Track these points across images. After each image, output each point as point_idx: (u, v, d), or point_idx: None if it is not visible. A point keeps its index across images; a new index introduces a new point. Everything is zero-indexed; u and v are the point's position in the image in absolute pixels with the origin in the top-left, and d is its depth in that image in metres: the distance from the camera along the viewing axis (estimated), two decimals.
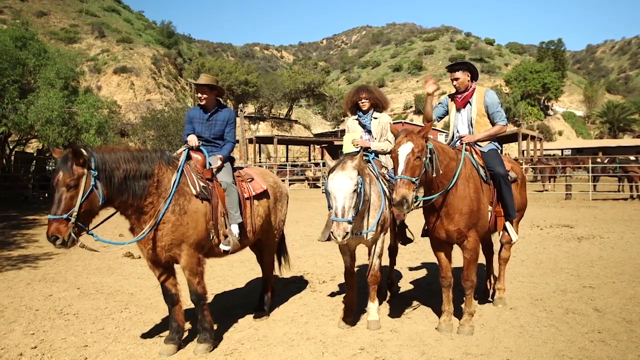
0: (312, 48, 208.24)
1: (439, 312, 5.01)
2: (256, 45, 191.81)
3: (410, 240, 5.72)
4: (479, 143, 5.16)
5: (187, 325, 4.77)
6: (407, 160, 4.11)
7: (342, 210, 4.09)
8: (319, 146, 47.61)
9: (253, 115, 65.59)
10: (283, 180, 23.69)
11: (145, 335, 4.81)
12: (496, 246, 5.83)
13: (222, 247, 4.62)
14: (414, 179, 4.08)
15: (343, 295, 5.66)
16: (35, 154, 24.73)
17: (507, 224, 5.09)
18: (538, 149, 45.86)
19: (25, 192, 21.98)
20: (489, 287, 5.99)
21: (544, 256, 8.38)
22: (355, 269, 5.15)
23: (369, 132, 5.54)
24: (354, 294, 5.04)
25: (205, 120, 5.06)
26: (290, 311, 5.58)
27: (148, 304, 5.92)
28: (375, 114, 5.55)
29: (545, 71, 76.72)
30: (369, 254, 4.99)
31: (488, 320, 5.06)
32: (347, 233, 4.05)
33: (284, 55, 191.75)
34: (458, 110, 5.29)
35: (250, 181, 5.12)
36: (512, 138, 41.60)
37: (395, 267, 6.39)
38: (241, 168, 5.39)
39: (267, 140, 45.92)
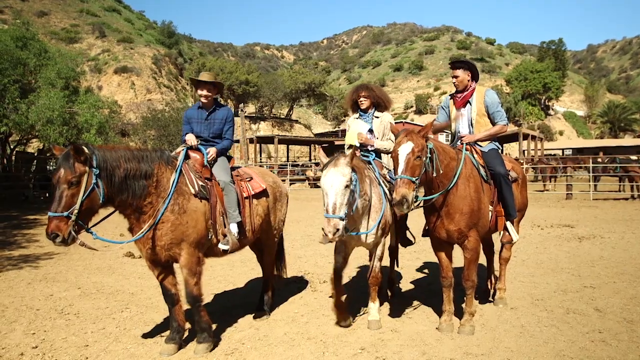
0: (313, 48, 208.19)
1: (439, 312, 5.01)
2: (257, 45, 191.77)
3: (411, 243, 5.69)
4: (479, 143, 5.15)
5: (188, 325, 4.77)
6: (407, 160, 4.11)
7: (333, 207, 4.04)
8: (319, 146, 47.61)
9: (254, 115, 65.61)
10: (284, 180, 23.73)
11: (146, 335, 4.81)
12: (497, 246, 5.83)
13: (221, 246, 4.62)
14: (414, 179, 4.08)
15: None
16: (36, 154, 24.75)
17: (508, 223, 5.08)
18: (539, 149, 45.85)
19: (26, 192, 22.00)
20: (489, 287, 5.99)
21: (544, 256, 8.38)
22: (357, 270, 5.14)
23: (371, 131, 5.46)
24: (341, 300, 4.87)
25: (203, 120, 5.06)
26: (291, 311, 5.58)
27: (149, 304, 5.92)
28: (377, 113, 5.49)
29: (546, 71, 76.64)
30: (370, 257, 4.96)
31: (489, 320, 5.06)
32: (338, 230, 3.99)
33: (284, 55, 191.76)
34: (458, 109, 5.29)
35: (249, 180, 5.11)
36: (512, 138, 41.58)
37: (396, 268, 6.38)
38: (239, 167, 5.38)
39: (268, 140, 45.93)
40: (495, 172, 4.90)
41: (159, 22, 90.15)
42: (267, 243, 5.53)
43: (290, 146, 52.21)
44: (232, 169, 5.09)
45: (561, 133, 76.90)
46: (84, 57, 37.07)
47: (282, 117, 69.54)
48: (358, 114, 5.57)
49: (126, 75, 60.22)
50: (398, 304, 5.69)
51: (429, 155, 4.27)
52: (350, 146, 5.30)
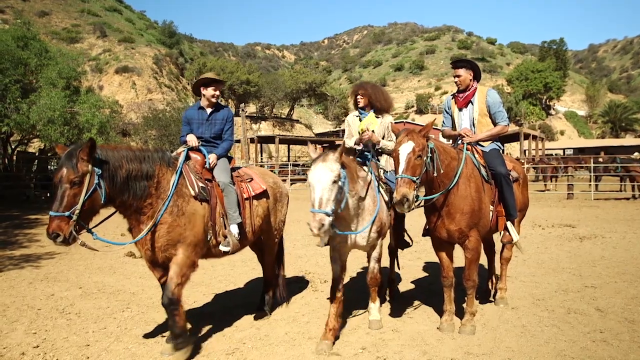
0: (314, 48, 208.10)
1: (440, 312, 5.01)
2: (257, 45, 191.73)
3: (408, 245, 5.65)
4: (480, 143, 5.15)
5: (189, 325, 4.77)
6: (407, 160, 4.11)
7: (319, 201, 3.95)
8: (320, 146, 47.59)
9: (254, 114, 65.59)
10: (284, 180, 23.73)
11: (147, 335, 4.82)
12: (498, 246, 5.83)
13: (222, 248, 4.61)
14: (414, 178, 4.08)
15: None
16: (37, 154, 24.77)
17: (509, 223, 5.08)
18: (540, 149, 45.79)
19: (27, 192, 22.02)
20: (490, 286, 5.98)
21: (545, 256, 8.37)
22: (358, 271, 5.12)
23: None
24: (339, 313, 4.56)
25: (204, 120, 5.05)
26: (291, 311, 5.58)
27: (150, 304, 5.92)
28: (377, 114, 5.42)
29: (547, 71, 76.54)
30: (368, 259, 4.93)
31: (490, 320, 5.06)
32: (323, 225, 3.87)
33: (285, 54, 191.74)
34: (460, 109, 5.28)
35: (250, 181, 5.10)
36: (513, 137, 41.50)
37: (397, 269, 6.36)
38: (240, 168, 5.37)
39: (269, 139, 45.90)
40: (496, 172, 4.90)
41: (160, 22, 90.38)
42: (267, 243, 5.53)
43: (291, 146, 52.19)
44: (233, 169, 5.08)
45: (562, 133, 76.81)
46: (85, 57, 37.09)
47: (283, 117, 69.51)
48: (358, 112, 5.52)
49: (127, 75, 60.24)
50: (399, 304, 5.69)
51: (429, 154, 4.27)
52: (355, 151, 5.28)
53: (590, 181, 21.46)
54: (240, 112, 39.30)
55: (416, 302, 5.77)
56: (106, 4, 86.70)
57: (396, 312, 5.38)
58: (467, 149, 4.88)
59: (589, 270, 7.23)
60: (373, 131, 5.26)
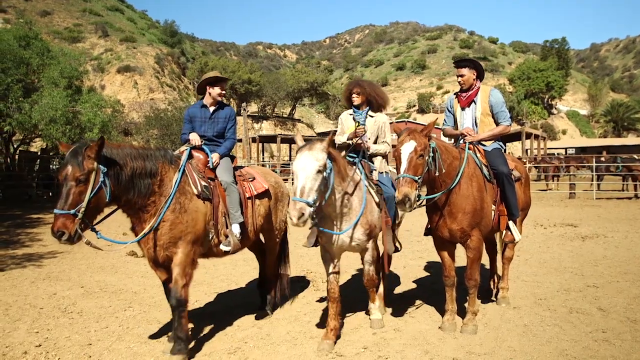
0: (315, 47, 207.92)
1: (442, 311, 5.01)
2: (259, 44, 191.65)
3: (397, 249, 5.54)
4: (482, 142, 5.14)
5: (191, 325, 4.77)
6: (409, 159, 4.10)
7: (301, 190, 3.84)
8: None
9: (256, 114, 65.57)
10: (286, 180, 23.72)
11: (149, 334, 4.82)
12: (499, 245, 5.82)
13: (223, 247, 4.61)
14: (416, 178, 4.07)
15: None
16: (39, 153, 24.81)
17: (511, 223, 5.07)
18: (542, 148, 45.70)
19: (29, 191, 22.03)
20: (492, 286, 5.98)
21: (547, 255, 8.36)
22: (357, 271, 5.08)
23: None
24: (338, 312, 4.53)
25: (207, 119, 5.06)
26: (293, 310, 5.59)
27: (152, 303, 5.93)
28: (371, 113, 5.21)
29: (549, 70, 76.38)
30: (362, 262, 4.81)
31: (491, 320, 5.05)
32: (303, 214, 3.76)
33: (287, 54, 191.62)
34: (463, 109, 5.27)
35: (252, 180, 5.10)
36: (515, 137, 41.39)
37: (396, 268, 6.36)
38: (242, 167, 5.38)
39: (270, 139, 45.89)
40: (498, 171, 4.90)
41: (161, 21, 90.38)
42: (269, 243, 5.53)
43: (292, 145, 52.17)
44: (235, 168, 5.07)
45: (564, 132, 76.67)
46: (86, 56, 37.13)
47: (285, 116, 69.49)
48: (352, 110, 5.29)
49: (129, 74, 60.23)
50: (401, 303, 5.69)
51: (431, 154, 4.26)
52: (348, 146, 5.09)
53: (592, 180, 21.43)
54: (242, 111, 39.32)
55: (418, 302, 5.77)
56: (108, 4, 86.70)
57: (398, 311, 5.38)
58: (469, 148, 4.87)
59: (591, 269, 7.22)
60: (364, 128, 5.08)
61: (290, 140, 49.18)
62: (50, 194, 22.45)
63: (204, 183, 4.50)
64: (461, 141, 5.10)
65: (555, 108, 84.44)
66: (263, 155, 48.27)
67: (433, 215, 4.73)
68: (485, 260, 5.65)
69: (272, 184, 5.39)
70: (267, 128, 61.36)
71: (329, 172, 4.06)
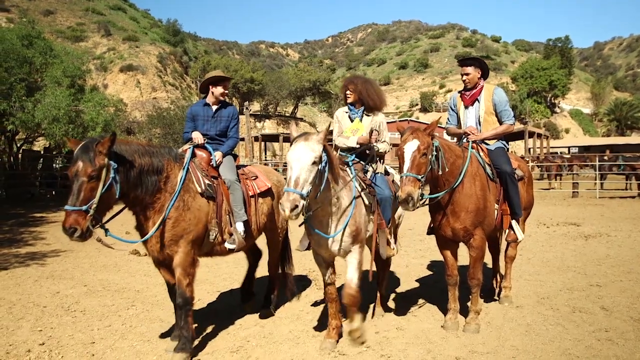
0: (318, 46, 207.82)
1: (444, 310, 5.00)
2: (262, 43, 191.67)
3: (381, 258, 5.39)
4: (486, 141, 5.13)
5: (194, 324, 4.78)
6: (413, 158, 4.09)
7: (295, 180, 3.66)
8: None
9: (259, 113, 65.62)
10: None
11: (151, 332, 4.84)
12: (502, 244, 5.81)
13: (227, 245, 4.61)
14: (419, 177, 4.07)
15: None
16: (42, 152, 24.87)
17: (513, 222, 5.06)
18: (545, 147, 45.61)
19: (32, 190, 22.09)
20: (495, 285, 5.98)
21: (550, 254, 8.35)
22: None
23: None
24: (338, 310, 4.47)
25: (210, 117, 5.06)
26: (295, 309, 5.59)
27: (154, 301, 5.94)
28: (368, 113, 5.03)
29: (552, 68, 76.22)
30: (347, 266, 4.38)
31: (494, 319, 5.05)
32: (297, 206, 3.58)
33: (289, 53, 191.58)
34: (466, 107, 5.26)
35: (255, 179, 5.11)
36: (518, 136, 41.33)
37: (398, 267, 6.35)
38: (245, 166, 5.38)
39: (273, 138, 45.92)
40: (502, 170, 4.88)
41: (164, 20, 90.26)
42: (271, 242, 5.53)
43: None
44: (238, 167, 5.08)
45: (567, 131, 76.50)
46: (89, 55, 37.11)
47: (287, 115, 69.49)
48: (347, 108, 5.13)
49: (131, 73, 60.33)
50: (403, 302, 5.68)
51: (434, 153, 4.25)
52: (350, 148, 4.92)
53: (595, 179, 21.37)
54: (244, 110, 39.30)
55: (421, 301, 5.77)
56: (110, 3, 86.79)
57: (401, 310, 5.38)
58: (472, 147, 4.86)
59: (594, 268, 7.20)
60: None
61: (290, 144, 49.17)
62: (54, 192, 22.51)
63: (207, 181, 4.50)
64: (464, 140, 5.08)
65: (558, 107, 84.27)
66: (265, 154, 48.29)
67: (436, 214, 4.73)
68: (487, 259, 5.64)
69: (274, 182, 5.39)
70: (269, 127, 61.41)
71: (324, 165, 3.90)
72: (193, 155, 4.67)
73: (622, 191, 21.36)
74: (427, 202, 4.57)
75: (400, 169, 4.20)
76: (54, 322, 5.19)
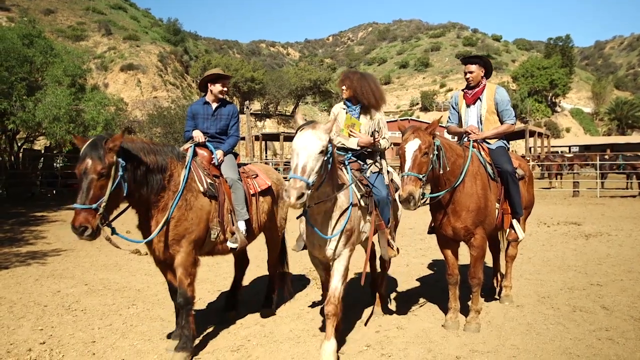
0: (318, 45, 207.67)
1: (445, 310, 5.00)
2: (262, 43, 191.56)
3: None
4: (487, 140, 5.13)
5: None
6: (414, 157, 4.09)
7: (302, 168, 3.50)
8: None
9: (259, 112, 65.66)
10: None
11: (152, 332, 4.84)
12: (503, 243, 5.81)
13: (230, 244, 4.61)
14: (420, 176, 4.06)
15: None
16: (42, 151, 24.89)
17: (514, 221, 5.06)
18: (545, 146, 45.59)
19: (33, 189, 22.11)
20: (495, 284, 5.97)
21: (551, 254, 8.34)
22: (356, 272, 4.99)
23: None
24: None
25: (210, 115, 5.06)
26: (296, 308, 5.59)
27: (155, 301, 5.94)
28: (365, 112, 4.88)
29: (553, 67, 76.18)
30: (332, 273, 4.14)
31: (495, 318, 5.05)
32: (303, 194, 3.42)
33: (290, 52, 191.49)
34: (468, 106, 5.25)
35: (255, 177, 5.11)
36: (519, 135, 41.32)
37: (399, 266, 6.35)
38: (245, 164, 5.38)
39: (273, 137, 45.92)
40: (502, 169, 4.88)
41: (164, 19, 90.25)
42: (271, 241, 5.53)
43: None
44: (238, 165, 5.08)
45: (568, 130, 76.49)
46: (90, 54, 37.10)
47: (288, 114, 69.51)
48: (344, 104, 4.98)
49: (132, 72, 60.33)
50: (403, 301, 5.68)
51: (436, 152, 4.25)
52: (348, 148, 4.80)
53: (596, 179, 21.36)
54: (245, 109, 39.30)
55: (421, 300, 5.77)
56: (111, 2, 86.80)
57: (401, 309, 5.38)
58: (473, 147, 4.86)
59: (594, 268, 7.20)
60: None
61: (293, 139, 49.25)
62: (54, 191, 22.53)
63: (209, 180, 4.50)
64: (465, 139, 5.08)
65: (559, 106, 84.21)
66: (266, 153, 48.30)
67: (437, 214, 4.72)
68: (488, 258, 5.64)
69: (274, 180, 5.40)
70: (270, 126, 61.45)
71: (329, 156, 3.77)
72: (194, 154, 4.67)
73: (622, 190, 21.34)
74: (428, 201, 4.56)
75: (401, 168, 4.20)
76: (55, 321, 5.20)
